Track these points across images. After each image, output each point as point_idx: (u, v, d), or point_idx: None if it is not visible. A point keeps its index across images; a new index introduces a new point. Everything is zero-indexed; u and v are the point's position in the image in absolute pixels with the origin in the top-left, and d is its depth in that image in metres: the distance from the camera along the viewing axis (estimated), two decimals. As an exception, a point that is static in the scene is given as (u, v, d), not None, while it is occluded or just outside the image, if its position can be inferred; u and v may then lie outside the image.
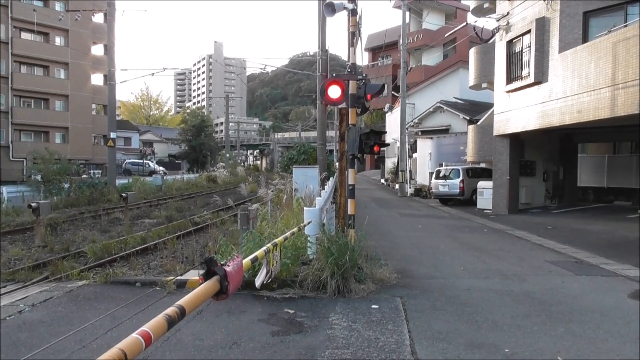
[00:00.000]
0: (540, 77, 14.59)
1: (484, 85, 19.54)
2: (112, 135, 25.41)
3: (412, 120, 30.40)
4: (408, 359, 4.20)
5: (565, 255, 9.42)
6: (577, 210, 17.78)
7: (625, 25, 12.14)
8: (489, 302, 6.03)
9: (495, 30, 17.73)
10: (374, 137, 7.70)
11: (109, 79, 26.13)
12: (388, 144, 26.38)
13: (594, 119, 12.32)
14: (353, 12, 8.07)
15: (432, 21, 41.69)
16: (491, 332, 4.94)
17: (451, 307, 5.80)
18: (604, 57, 11.91)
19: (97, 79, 45.44)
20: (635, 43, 10.95)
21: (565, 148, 19.95)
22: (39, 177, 23.10)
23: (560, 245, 10.43)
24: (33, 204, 12.92)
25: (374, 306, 5.83)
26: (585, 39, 13.41)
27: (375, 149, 7.69)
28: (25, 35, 40.24)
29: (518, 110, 15.84)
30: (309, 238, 7.41)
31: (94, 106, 46.13)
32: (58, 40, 42.75)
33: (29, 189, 22.62)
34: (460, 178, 19.99)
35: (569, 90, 13.27)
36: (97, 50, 45.40)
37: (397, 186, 27.06)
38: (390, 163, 35.87)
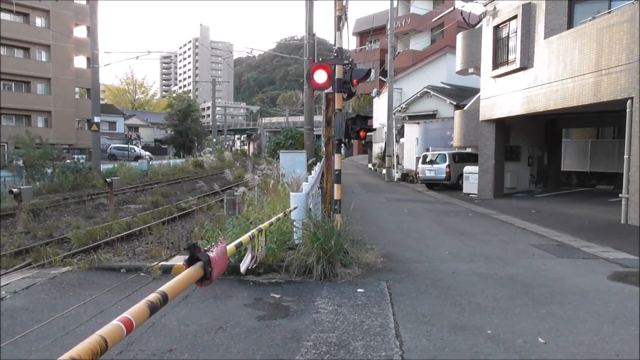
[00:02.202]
0: (526, 62, 14.66)
1: (471, 70, 19.57)
2: (96, 119, 25.05)
3: (399, 105, 30.41)
4: (392, 341, 4.26)
5: (548, 238, 9.57)
6: (561, 195, 18.03)
7: (609, 12, 12.22)
8: (472, 285, 6.11)
9: (482, 15, 17.73)
10: (360, 122, 7.71)
11: (92, 61, 25.66)
12: (374, 129, 26.27)
13: (578, 104, 12.45)
14: (339, -4, 8.00)
15: (420, 5, 41.52)
16: (474, 314, 5.02)
17: (436, 291, 5.88)
18: (588, 43, 12.00)
19: (80, 62, 44.54)
20: (618, 30, 11.04)
21: (550, 133, 20.15)
22: (20, 162, 22.71)
23: (544, 229, 10.59)
24: (15, 190, 12.72)
25: (359, 290, 5.88)
26: (570, 25, 13.47)
27: (361, 134, 7.71)
28: (4, 16, 39.18)
29: (504, 96, 15.93)
30: (295, 223, 7.41)
31: (77, 90, 45.31)
32: (39, 22, 41.73)
33: (11, 174, 22.22)
34: (447, 163, 20.12)
35: (553, 76, 13.36)
36: (80, 32, 44.41)
37: (384, 171, 27.17)
38: (377, 148, 35.93)
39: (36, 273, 7.01)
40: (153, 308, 1.75)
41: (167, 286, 1.89)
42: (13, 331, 4.52)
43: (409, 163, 27.51)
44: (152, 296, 1.79)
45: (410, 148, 27.84)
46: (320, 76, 7.31)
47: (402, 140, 29.11)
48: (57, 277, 6.63)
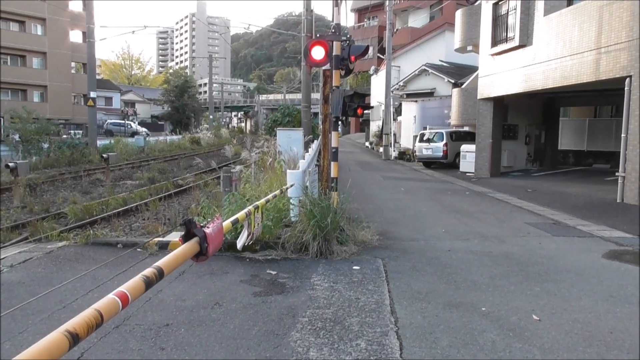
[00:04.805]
0: (525, 40, 14.50)
1: (470, 48, 19.37)
2: (92, 94, 24.79)
3: (397, 83, 30.17)
4: (387, 318, 4.30)
5: (544, 217, 9.62)
6: (557, 173, 18.07)
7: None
8: (468, 263, 6.16)
9: (482, -9, 17.44)
10: (358, 100, 7.62)
11: (88, 36, 25.27)
12: (372, 107, 26.13)
13: (577, 82, 12.37)
14: (338, -31, 7.84)
15: (420, -19, 40.83)
16: (469, 291, 5.06)
17: (431, 268, 5.91)
18: (588, 21, 11.86)
19: (75, 36, 43.91)
20: (618, 7, 10.90)
21: (548, 112, 20.07)
22: (17, 137, 22.59)
23: (540, 208, 10.64)
24: (11, 164, 12.67)
25: (355, 267, 5.91)
26: (570, 2, 13.29)
27: (359, 111, 7.63)
28: (-2, -12, 38.49)
29: (502, 74, 15.80)
30: (291, 200, 7.42)
31: (73, 64, 44.80)
32: (34, -6, 41.05)
33: (7, 149, 22.11)
34: (444, 141, 20.08)
35: (552, 53, 13.24)
36: (76, 5, 43.65)
37: (381, 149, 27.11)
38: (375, 126, 35.78)
39: (33, 247, 7.03)
40: (149, 282, 1.74)
41: (163, 261, 1.89)
42: (10, 304, 4.54)
43: (406, 141, 27.43)
44: (148, 271, 1.78)
45: (408, 126, 27.72)
46: (318, 53, 7.21)
47: (399, 118, 28.97)
48: (54, 252, 6.65)
